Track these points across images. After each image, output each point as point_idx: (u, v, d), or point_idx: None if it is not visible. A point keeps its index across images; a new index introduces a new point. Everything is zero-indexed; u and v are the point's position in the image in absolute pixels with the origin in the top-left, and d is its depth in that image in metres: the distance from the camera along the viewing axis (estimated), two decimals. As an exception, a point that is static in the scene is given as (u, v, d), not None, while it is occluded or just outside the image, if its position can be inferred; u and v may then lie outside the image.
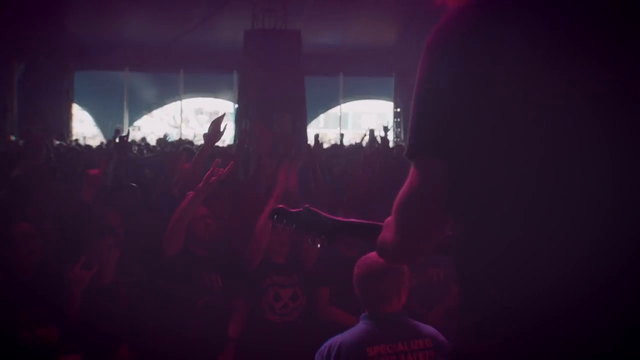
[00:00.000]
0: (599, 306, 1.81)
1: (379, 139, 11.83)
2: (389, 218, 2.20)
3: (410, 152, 1.99)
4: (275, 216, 2.76)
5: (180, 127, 26.53)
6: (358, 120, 29.71)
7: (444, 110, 1.90)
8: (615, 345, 1.82)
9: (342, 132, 21.36)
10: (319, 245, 2.77)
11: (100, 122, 25.51)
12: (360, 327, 3.91)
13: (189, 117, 29.39)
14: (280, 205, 2.85)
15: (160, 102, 26.41)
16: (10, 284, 4.97)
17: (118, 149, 7.75)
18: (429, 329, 3.98)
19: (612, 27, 1.87)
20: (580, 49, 1.84)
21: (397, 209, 2.07)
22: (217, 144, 7.13)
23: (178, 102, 26.53)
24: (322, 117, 28.68)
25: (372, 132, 13.57)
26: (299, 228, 2.77)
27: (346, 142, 17.78)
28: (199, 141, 17.76)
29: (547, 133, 1.82)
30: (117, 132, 11.98)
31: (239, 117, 18.35)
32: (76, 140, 20.50)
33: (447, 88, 1.88)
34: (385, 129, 12.45)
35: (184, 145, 13.98)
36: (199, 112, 30.62)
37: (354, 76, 25.43)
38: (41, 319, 4.93)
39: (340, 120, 27.27)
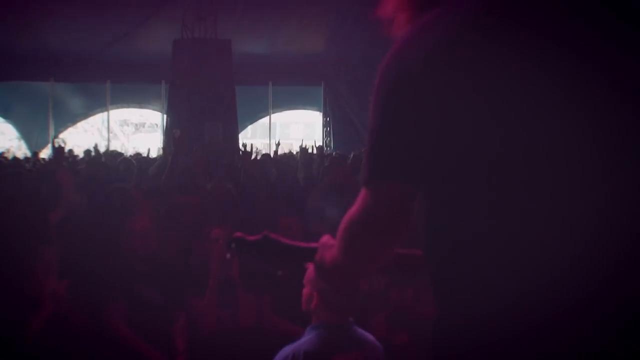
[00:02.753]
0: (585, 311, 1.82)
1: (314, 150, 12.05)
2: (326, 238, 2.25)
3: (369, 176, 1.99)
4: (233, 245, 2.66)
5: (109, 138, 26.18)
6: (286, 130, 29.81)
7: (403, 138, 1.92)
8: (603, 347, 1.83)
9: (271, 141, 21.41)
10: (280, 274, 2.77)
11: (24, 134, 25.01)
12: (316, 336, 3.90)
13: (114, 129, 29.09)
14: (238, 234, 2.76)
15: (86, 113, 26.09)
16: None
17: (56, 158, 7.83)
18: (372, 337, 4.05)
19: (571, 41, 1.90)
20: (536, 72, 1.86)
21: (345, 232, 2.08)
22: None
23: (104, 114, 26.18)
24: (249, 127, 28.66)
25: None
26: (260, 258, 2.73)
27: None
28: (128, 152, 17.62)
29: (504, 153, 1.84)
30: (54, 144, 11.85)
31: (169, 127, 18.20)
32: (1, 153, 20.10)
33: (403, 112, 1.91)
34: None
35: (114, 155, 13.88)
36: (124, 123, 30.34)
37: (283, 85, 25.45)
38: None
39: (270, 130, 27.26)
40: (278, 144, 16.38)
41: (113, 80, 24.32)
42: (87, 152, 15.99)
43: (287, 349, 3.86)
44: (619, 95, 1.88)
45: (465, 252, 1.92)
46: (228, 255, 2.79)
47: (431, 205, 1.97)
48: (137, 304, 5.16)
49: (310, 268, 3.91)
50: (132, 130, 30.70)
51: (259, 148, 17.54)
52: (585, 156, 1.84)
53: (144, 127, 29.62)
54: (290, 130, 30.03)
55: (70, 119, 25.76)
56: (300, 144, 12.66)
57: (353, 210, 2.03)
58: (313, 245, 2.75)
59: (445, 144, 1.88)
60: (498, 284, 1.86)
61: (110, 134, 27.52)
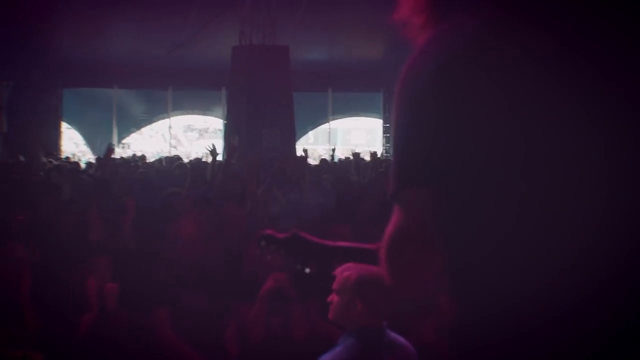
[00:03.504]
0: (591, 310, 1.87)
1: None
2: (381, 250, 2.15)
3: (396, 187, 2.02)
4: (263, 243, 2.72)
5: (170, 144, 26.51)
6: (347, 136, 29.85)
7: (424, 140, 1.94)
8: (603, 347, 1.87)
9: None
10: (307, 271, 2.76)
11: (88, 140, 25.50)
12: (353, 344, 3.88)
13: (178, 135, 29.44)
14: (268, 231, 2.79)
15: (150, 119, 26.46)
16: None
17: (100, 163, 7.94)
18: (404, 340, 4.01)
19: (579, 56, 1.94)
20: (556, 77, 1.90)
21: (387, 254, 2.08)
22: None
23: (167, 120, 26.52)
24: (311, 133, 28.76)
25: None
26: (288, 255, 2.77)
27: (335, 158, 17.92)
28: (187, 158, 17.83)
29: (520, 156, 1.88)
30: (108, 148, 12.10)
31: (228, 133, 18.36)
32: (67, 157, 20.54)
33: (424, 123, 1.93)
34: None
35: (172, 160, 14.04)
36: (188, 129, 30.70)
37: (343, 92, 25.53)
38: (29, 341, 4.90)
39: (330, 137, 27.32)
40: (333, 150, 16.44)
41: (174, 86, 24.64)
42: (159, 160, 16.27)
43: (326, 358, 3.86)
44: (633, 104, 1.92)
45: (486, 253, 1.94)
46: (262, 254, 2.82)
47: (452, 210, 1.96)
48: (183, 310, 5.17)
49: (341, 276, 3.90)
50: (196, 136, 31.09)
51: (321, 154, 17.70)
52: (602, 163, 1.88)
53: (207, 132, 29.96)
54: (352, 136, 30.11)
55: (134, 124, 26.18)
56: (354, 149, 12.72)
57: (388, 230, 2.03)
58: (340, 244, 2.77)
59: (466, 149, 1.90)
60: (517, 286, 1.89)
61: (175, 140, 27.87)
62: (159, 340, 5.09)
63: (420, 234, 2.00)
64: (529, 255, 1.88)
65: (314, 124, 27.47)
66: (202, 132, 30.58)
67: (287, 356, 4.90)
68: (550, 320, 1.87)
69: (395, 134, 2.01)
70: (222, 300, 5.30)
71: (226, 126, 19.18)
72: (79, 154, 24.31)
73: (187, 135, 30.74)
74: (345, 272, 3.93)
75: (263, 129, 17.25)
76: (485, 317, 1.95)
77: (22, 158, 13.47)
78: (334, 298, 3.93)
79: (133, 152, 22.18)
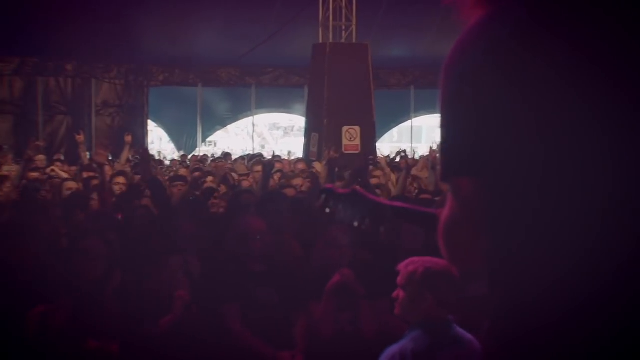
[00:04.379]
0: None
1: None
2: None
3: (442, 178, 2.05)
4: (323, 197, 2.76)
5: (253, 141, 26.61)
6: (432, 133, 29.47)
7: (468, 131, 1.94)
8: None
9: (413, 145, 21.28)
10: (362, 227, 2.78)
11: (174, 138, 25.79)
12: (420, 334, 3.88)
13: (264, 133, 29.56)
14: (328, 185, 2.87)
15: (235, 116, 26.58)
16: (76, 295, 5.07)
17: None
18: (470, 335, 3.97)
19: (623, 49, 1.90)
20: (598, 68, 1.87)
21: (442, 236, 2.12)
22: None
23: (255, 117, 26.61)
24: (395, 131, 28.54)
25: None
26: (346, 210, 2.78)
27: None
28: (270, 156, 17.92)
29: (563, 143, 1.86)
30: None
31: (308, 131, 18.36)
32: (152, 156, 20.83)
33: (467, 109, 1.93)
34: None
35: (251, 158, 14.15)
36: (274, 127, 30.80)
37: (426, 89, 25.28)
38: (105, 331, 4.98)
39: (412, 134, 27.06)
40: (404, 152, 16.28)
41: (258, 84, 24.75)
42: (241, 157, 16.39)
43: (394, 349, 3.85)
44: None
45: (521, 240, 1.93)
46: (322, 207, 2.86)
47: (494, 198, 1.96)
48: (253, 304, 5.23)
49: (406, 270, 3.90)
50: (282, 134, 31.18)
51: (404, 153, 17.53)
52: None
53: (292, 130, 30.02)
54: (437, 133, 29.69)
55: (218, 122, 26.31)
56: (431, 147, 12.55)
57: (443, 215, 2.08)
58: (397, 204, 2.81)
59: (509, 138, 1.89)
60: (557, 274, 1.89)
61: (260, 138, 27.97)
62: (230, 335, 5.15)
63: (466, 220, 2.01)
64: (568, 243, 1.87)
65: (397, 122, 27.22)
66: (288, 130, 30.68)
67: (356, 352, 4.90)
68: (589, 308, 1.86)
69: (441, 121, 2.00)
70: (292, 295, 5.33)
71: (306, 124, 19.17)
72: (164, 152, 24.68)
73: (272, 134, 30.89)
74: (409, 266, 3.94)
75: (343, 126, 17.20)
76: (524, 303, 1.94)
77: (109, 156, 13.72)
78: (399, 293, 3.94)
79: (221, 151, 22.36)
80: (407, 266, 3.90)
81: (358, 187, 2.81)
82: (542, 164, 1.88)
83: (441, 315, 3.87)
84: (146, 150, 7.75)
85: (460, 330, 3.93)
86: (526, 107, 1.87)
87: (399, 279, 3.91)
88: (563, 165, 1.87)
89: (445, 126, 2.00)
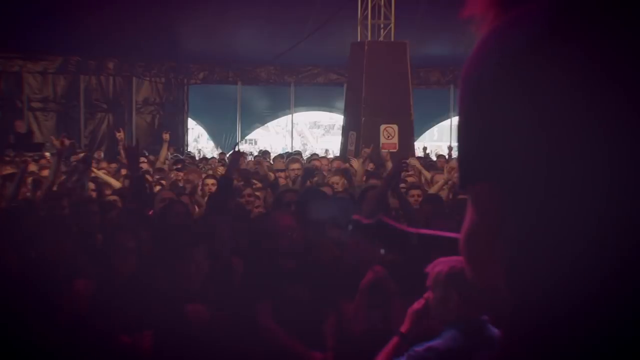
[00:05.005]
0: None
1: None
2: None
3: (461, 182, 2.07)
4: (350, 227, 2.84)
5: (292, 140, 26.64)
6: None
7: (484, 138, 1.96)
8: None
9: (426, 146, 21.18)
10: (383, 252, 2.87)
11: (213, 136, 25.92)
12: (453, 334, 3.87)
13: (304, 131, 29.53)
14: (355, 216, 2.89)
15: (274, 114, 26.65)
16: (109, 290, 5.11)
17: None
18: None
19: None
20: (613, 76, 1.88)
21: (461, 246, 2.12)
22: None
23: (295, 115, 26.64)
24: (435, 129, 28.42)
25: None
26: (372, 240, 2.83)
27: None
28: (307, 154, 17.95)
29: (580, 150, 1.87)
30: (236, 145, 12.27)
31: (346, 129, 18.36)
32: (189, 153, 20.95)
33: (483, 117, 1.95)
34: None
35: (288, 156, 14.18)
36: (314, 125, 30.76)
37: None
38: (137, 325, 5.01)
39: (452, 133, 26.93)
40: (424, 149, 16.22)
41: (297, 82, 24.79)
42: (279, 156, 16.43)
43: (428, 345, 3.85)
44: None
45: (538, 239, 1.93)
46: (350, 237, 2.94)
47: (511, 203, 1.96)
48: (285, 302, 5.25)
49: (433, 271, 3.90)
50: (322, 132, 31.12)
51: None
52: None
53: (332, 129, 29.96)
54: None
55: (258, 120, 26.40)
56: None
57: (464, 226, 2.08)
58: (422, 231, 2.85)
59: (527, 142, 1.89)
60: (577, 278, 1.89)
61: (301, 136, 27.98)
62: (263, 332, 5.17)
63: (485, 227, 2.02)
64: (589, 248, 1.87)
65: (437, 121, 27.12)
66: (328, 129, 30.60)
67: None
68: (611, 312, 1.86)
69: (458, 128, 2.00)
70: (323, 292, 5.35)
71: (344, 122, 19.16)
72: (203, 150, 24.79)
73: (312, 132, 30.84)
74: (436, 267, 3.94)
75: (380, 125, 17.17)
76: (544, 309, 1.94)
77: (146, 153, 13.88)
78: (429, 295, 3.94)
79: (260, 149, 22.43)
80: (433, 267, 3.91)
81: (383, 217, 2.83)
82: (559, 168, 1.89)
83: (473, 314, 3.86)
84: (135, 147, 7.73)
85: (495, 331, 3.92)
86: (541, 114, 1.88)
87: (428, 281, 3.92)
88: (579, 168, 1.88)
89: (462, 135, 2.02)
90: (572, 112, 1.88)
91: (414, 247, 2.83)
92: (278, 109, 26.27)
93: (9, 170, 9.91)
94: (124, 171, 10.20)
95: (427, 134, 27.72)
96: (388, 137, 17.20)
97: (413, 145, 17.99)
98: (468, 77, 1.99)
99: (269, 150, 20.29)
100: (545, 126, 1.88)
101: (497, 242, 2.04)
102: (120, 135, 13.47)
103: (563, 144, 1.88)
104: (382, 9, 18.06)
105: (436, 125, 27.79)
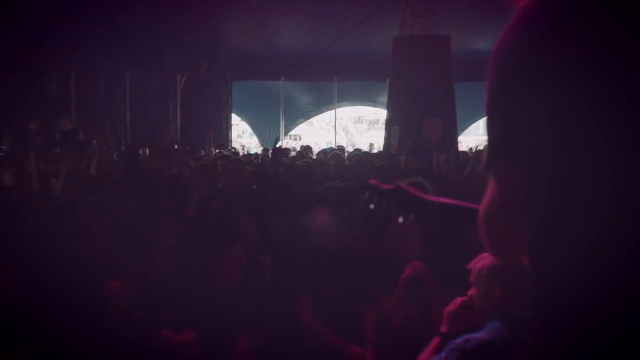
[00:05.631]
0: None
1: None
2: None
3: (487, 163, 2.07)
4: (367, 192, 2.81)
5: (335, 135, 26.68)
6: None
7: (512, 118, 1.97)
8: None
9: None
10: (404, 222, 2.87)
11: (257, 131, 26.06)
12: (496, 326, 3.84)
13: (348, 126, 29.58)
14: (372, 181, 2.88)
15: (318, 109, 26.73)
16: (148, 286, 5.17)
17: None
18: None
19: None
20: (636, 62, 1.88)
21: (481, 224, 2.14)
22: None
23: (339, 110, 26.71)
24: (480, 122, 28.31)
25: None
26: (390, 206, 2.83)
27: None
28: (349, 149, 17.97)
29: (610, 136, 1.87)
30: (277, 140, 12.37)
31: (389, 123, 18.38)
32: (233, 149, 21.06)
33: (513, 98, 1.96)
34: None
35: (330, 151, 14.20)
36: (359, 120, 30.78)
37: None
38: (180, 321, 5.03)
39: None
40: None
41: (340, 78, 24.83)
42: (323, 151, 16.47)
43: (469, 337, 3.80)
44: None
45: (560, 222, 1.95)
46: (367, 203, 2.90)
47: (535, 182, 1.98)
48: (323, 297, 5.27)
49: (476, 267, 3.88)
50: (366, 127, 31.14)
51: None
52: None
53: (377, 124, 29.97)
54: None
55: (301, 115, 26.51)
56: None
57: (483, 203, 2.10)
58: (440, 199, 2.88)
59: (551, 126, 1.91)
60: (598, 255, 1.90)
61: (345, 131, 28.02)
62: (302, 326, 5.20)
63: (508, 205, 2.04)
64: (609, 225, 1.88)
65: (482, 114, 26.87)
66: (372, 124, 30.61)
67: (426, 345, 4.89)
68: (629, 290, 1.86)
69: (487, 107, 2.03)
70: (361, 287, 5.35)
71: (388, 117, 19.16)
72: (247, 145, 24.94)
73: (356, 127, 30.88)
74: (479, 262, 3.94)
75: (423, 119, 17.16)
76: (566, 286, 1.96)
77: (187, 148, 14.01)
78: (473, 291, 3.93)
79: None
80: (476, 263, 3.90)
81: (400, 183, 2.82)
82: (581, 152, 1.89)
83: (516, 307, 3.84)
84: (132, 145, 7.87)
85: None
86: (563, 99, 1.89)
87: (471, 277, 3.91)
88: (601, 154, 1.87)
89: (489, 115, 2.03)
90: (594, 97, 1.88)
91: (434, 216, 2.84)
92: (321, 104, 26.37)
93: (54, 167, 10.07)
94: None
95: (473, 128, 27.61)
96: (431, 131, 17.19)
97: (457, 140, 17.95)
98: (497, 59, 2.01)
99: (312, 146, 20.34)
100: (567, 110, 1.89)
101: (516, 223, 2.05)
102: (210, 133, 13.77)
103: (585, 130, 1.88)
104: (424, 3, 18.01)
105: (481, 119, 27.63)
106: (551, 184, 1.96)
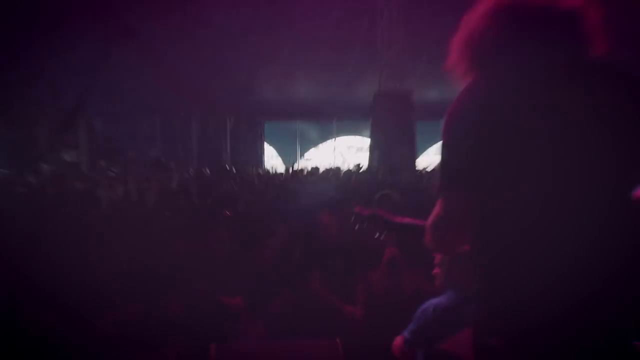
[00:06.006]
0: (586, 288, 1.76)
1: None
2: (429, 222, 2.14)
3: (440, 190, 1.98)
4: (353, 217, 2.79)
5: (334, 157, 26.51)
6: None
7: (457, 161, 1.91)
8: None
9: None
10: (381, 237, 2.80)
11: (281, 155, 25.96)
12: (448, 294, 3.72)
13: (343, 151, 29.33)
14: (357, 209, 2.88)
15: (322, 140, 26.57)
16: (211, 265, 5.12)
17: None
18: None
19: (570, 108, 1.84)
20: (551, 120, 1.82)
21: (428, 229, 2.04)
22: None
23: (334, 140, 26.58)
24: (434, 148, 27.96)
25: None
26: (369, 227, 2.80)
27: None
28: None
29: (529, 179, 1.81)
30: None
31: (371, 150, 18.26)
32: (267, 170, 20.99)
33: (461, 146, 1.89)
34: None
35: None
36: (351, 147, 30.53)
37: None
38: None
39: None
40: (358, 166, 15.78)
41: (338, 118, 24.73)
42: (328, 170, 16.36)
43: (430, 302, 3.74)
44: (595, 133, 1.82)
45: (495, 252, 1.87)
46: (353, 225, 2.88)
47: (478, 208, 1.91)
48: (327, 272, 5.26)
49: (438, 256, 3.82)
50: (355, 151, 30.82)
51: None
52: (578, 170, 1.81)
53: (362, 150, 29.65)
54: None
55: (312, 144, 26.35)
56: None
57: (432, 214, 2.02)
58: (403, 221, 2.81)
59: (490, 164, 1.84)
60: (529, 263, 1.80)
61: (341, 155, 27.79)
62: (313, 292, 5.20)
63: (451, 220, 1.97)
64: (521, 228, 1.81)
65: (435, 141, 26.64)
66: (359, 149, 30.32)
67: (400, 306, 4.87)
68: (539, 272, 1.79)
69: (441, 153, 1.95)
70: (354, 265, 5.33)
71: (370, 145, 19.04)
72: (274, 166, 24.84)
73: (349, 151, 30.60)
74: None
75: (393, 148, 17.04)
76: (495, 269, 1.89)
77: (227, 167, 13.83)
78: (437, 270, 3.90)
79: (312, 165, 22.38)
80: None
81: (377, 211, 2.81)
82: (510, 185, 1.82)
83: (467, 284, 3.76)
84: (200, 168, 7.82)
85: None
86: (497, 148, 1.83)
87: (436, 261, 3.88)
88: (523, 184, 1.81)
89: (442, 157, 1.96)
90: (511, 150, 1.82)
91: (397, 231, 2.79)
92: (325, 136, 26.18)
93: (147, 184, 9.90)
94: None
95: (430, 150, 27.42)
96: (399, 156, 16.85)
97: (415, 162, 17.80)
98: (449, 119, 1.92)
99: (318, 167, 20.27)
100: (499, 156, 1.83)
101: (454, 231, 1.98)
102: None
103: (512, 170, 1.82)
104: (396, 68, 17.84)
105: (435, 144, 27.33)
106: (483, 205, 1.89)
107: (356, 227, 2.82)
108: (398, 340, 3.79)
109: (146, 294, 4.51)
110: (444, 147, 1.95)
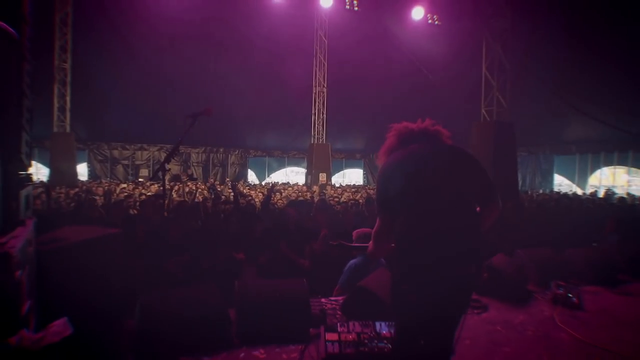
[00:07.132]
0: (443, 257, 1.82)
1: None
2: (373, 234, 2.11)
3: (377, 212, 2.01)
4: (329, 245, 2.74)
5: (287, 180, 25.95)
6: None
7: (385, 194, 1.95)
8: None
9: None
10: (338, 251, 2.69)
11: (257, 175, 25.00)
12: (362, 258, 3.67)
13: (289, 174, 28.76)
14: (333, 242, 2.75)
15: (279, 167, 25.98)
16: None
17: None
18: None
19: (443, 169, 1.95)
20: (426, 176, 1.93)
21: (373, 236, 2.04)
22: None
23: (285, 169, 26.03)
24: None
25: None
26: (339, 250, 2.79)
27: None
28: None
29: (418, 201, 1.88)
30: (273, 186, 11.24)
31: (307, 174, 17.93)
32: (250, 183, 20.14)
33: (384, 186, 1.96)
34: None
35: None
36: (294, 172, 29.94)
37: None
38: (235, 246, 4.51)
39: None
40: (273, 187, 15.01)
41: (288, 157, 24.26)
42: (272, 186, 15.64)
43: (351, 262, 3.70)
44: (456, 181, 1.93)
45: (402, 242, 1.90)
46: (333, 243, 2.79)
47: (396, 222, 1.94)
48: (290, 242, 5.05)
49: (356, 235, 3.72)
50: (296, 173, 30.09)
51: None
52: (445, 202, 1.88)
53: (301, 173, 28.95)
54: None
55: (274, 170, 25.66)
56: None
57: (375, 226, 2.05)
58: (354, 244, 2.80)
59: (396, 196, 1.90)
60: (416, 256, 1.85)
61: (288, 176, 27.29)
62: (282, 252, 4.95)
63: (383, 232, 1.98)
64: (429, 240, 1.83)
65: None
66: (300, 173, 29.49)
67: (330, 263, 4.74)
68: (429, 263, 1.86)
69: (376, 189, 1.99)
70: (305, 239, 5.13)
71: (306, 172, 18.54)
72: (252, 181, 24.01)
73: (294, 173, 29.96)
74: (358, 233, 3.73)
75: (320, 172, 16.68)
76: (399, 257, 1.89)
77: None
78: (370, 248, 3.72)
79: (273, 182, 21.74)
80: (357, 233, 3.75)
81: (341, 242, 2.71)
82: (414, 208, 1.88)
83: (376, 256, 3.63)
84: (218, 196, 6.78)
85: (382, 262, 3.72)
86: (405, 187, 1.90)
87: (353, 236, 3.74)
88: (422, 207, 1.85)
89: (376, 192, 1.99)
90: (412, 185, 1.89)
91: (353, 251, 2.73)
92: (281, 166, 25.78)
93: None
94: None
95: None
96: (321, 178, 16.88)
97: (329, 182, 17.38)
98: (380, 171, 2.00)
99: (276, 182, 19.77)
100: (406, 191, 1.89)
101: (389, 237, 1.99)
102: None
103: (412, 199, 1.88)
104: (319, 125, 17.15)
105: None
106: (400, 222, 1.92)
107: (331, 248, 2.74)
108: (337, 288, 3.71)
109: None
110: (377, 186, 1.99)
